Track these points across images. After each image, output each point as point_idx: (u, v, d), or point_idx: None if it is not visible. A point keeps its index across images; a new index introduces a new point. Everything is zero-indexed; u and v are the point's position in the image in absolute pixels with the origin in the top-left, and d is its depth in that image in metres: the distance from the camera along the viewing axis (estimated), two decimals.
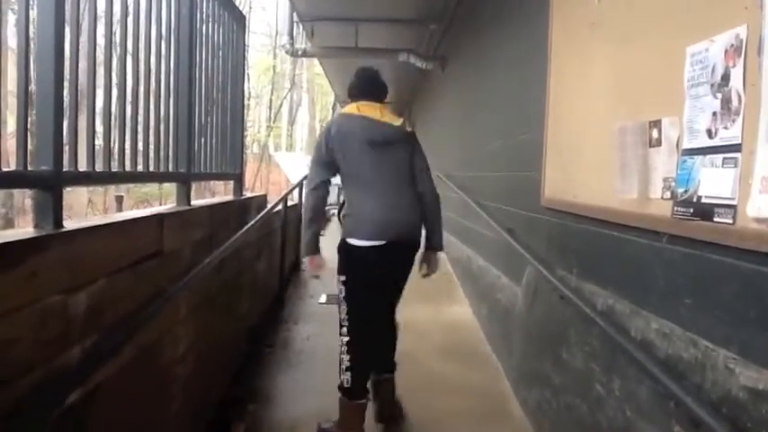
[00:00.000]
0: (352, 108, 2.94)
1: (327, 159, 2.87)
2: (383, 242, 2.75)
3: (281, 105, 33.97)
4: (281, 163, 23.83)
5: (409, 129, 2.96)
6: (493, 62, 4.61)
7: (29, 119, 1.49)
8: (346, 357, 2.82)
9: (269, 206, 4.54)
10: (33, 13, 1.53)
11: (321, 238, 3.09)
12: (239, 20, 3.77)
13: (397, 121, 2.92)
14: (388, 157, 2.84)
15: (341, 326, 2.85)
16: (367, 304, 2.84)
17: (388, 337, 3.11)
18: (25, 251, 1.35)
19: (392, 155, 2.85)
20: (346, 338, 2.83)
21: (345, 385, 2.82)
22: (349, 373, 2.81)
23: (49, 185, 1.55)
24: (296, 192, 7.10)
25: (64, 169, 1.63)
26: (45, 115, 1.55)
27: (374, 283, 2.82)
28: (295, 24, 8.14)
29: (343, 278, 2.85)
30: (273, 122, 33.33)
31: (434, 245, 3.04)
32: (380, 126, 2.85)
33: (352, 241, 2.79)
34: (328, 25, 8.00)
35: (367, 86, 3.01)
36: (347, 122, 2.89)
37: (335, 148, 2.83)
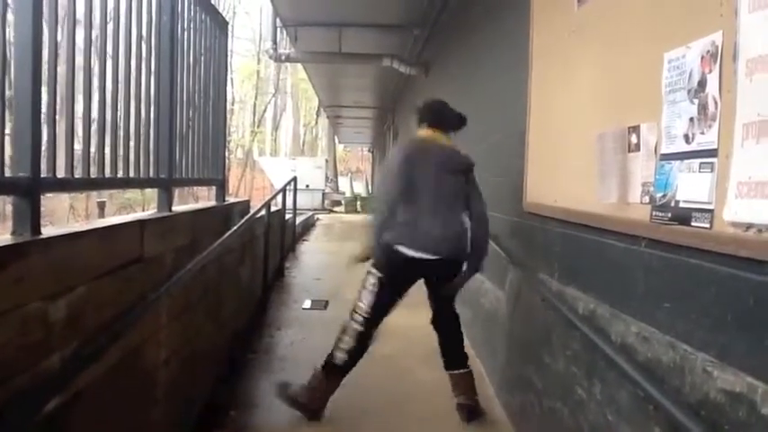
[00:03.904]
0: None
1: None
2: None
3: (264, 110, 33.88)
4: (266, 168, 23.69)
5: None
6: (475, 68, 4.64)
7: (6, 125, 1.47)
8: (352, 341, 2.97)
9: (252, 212, 4.51)
10: (10, 17, 1.51)
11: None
12: (222, 25, 3.76)
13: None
14: None
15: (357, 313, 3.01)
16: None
17: (452, 331, 3.27)
18: (8, 257, 1.33)
19: None
20: (360, 328, 2.98)
21: (338, 363, 2.98)
22: (346, 356, 2.97)
23: (27, 192, 1.54)
24: (279, 197, 7.04)
25: (42, 176, 1.61)
26: (23, 121, 1.53)
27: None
28: (279, 29, 8.14)
29: None
30: (258, 127, 33.23)
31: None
32: None
33: None
34: (312, 30, 8.01)
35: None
36: None
37: None
